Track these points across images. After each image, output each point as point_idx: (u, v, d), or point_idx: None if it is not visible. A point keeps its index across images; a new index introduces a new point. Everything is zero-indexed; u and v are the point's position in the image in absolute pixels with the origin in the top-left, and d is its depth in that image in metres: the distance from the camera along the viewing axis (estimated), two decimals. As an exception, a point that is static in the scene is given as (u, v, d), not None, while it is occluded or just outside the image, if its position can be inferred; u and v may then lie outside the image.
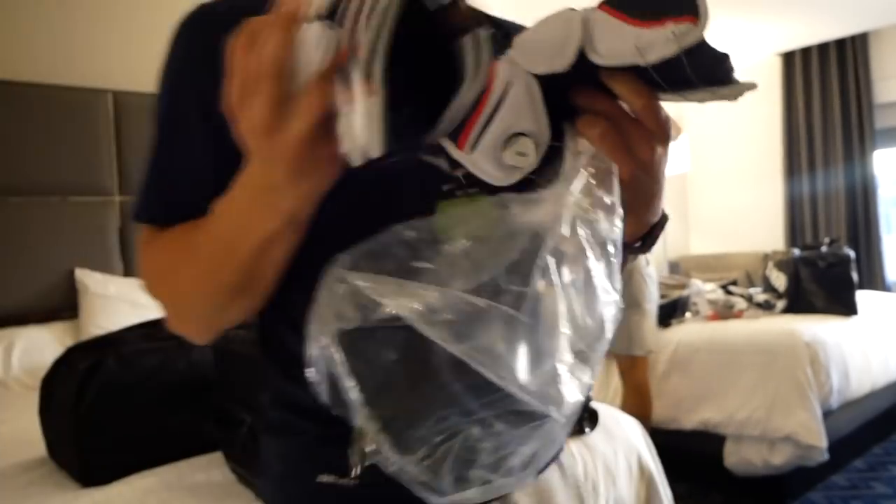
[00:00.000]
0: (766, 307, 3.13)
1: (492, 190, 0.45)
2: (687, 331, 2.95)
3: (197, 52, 0.56)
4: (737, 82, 0.43)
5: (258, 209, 0.46)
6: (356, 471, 0.45)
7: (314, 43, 0.39)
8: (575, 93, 0.44)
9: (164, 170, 0.59)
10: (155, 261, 0.58)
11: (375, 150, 0.39)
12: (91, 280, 2.61)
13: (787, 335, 2.66)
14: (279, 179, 0.43)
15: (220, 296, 0.53)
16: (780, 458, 2.52)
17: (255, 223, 0.47)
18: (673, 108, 5.28)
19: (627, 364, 2.49)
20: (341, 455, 0.47)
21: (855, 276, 3.05)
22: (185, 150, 0.58)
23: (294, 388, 0.57)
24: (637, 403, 2.44)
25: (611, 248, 0.45)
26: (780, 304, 3.14)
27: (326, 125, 0.40)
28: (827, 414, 2.58)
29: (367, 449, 0.42)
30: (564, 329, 0.42)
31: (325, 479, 0.55)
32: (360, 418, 0.42)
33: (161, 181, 0.59)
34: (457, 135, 0.43)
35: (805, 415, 2.48)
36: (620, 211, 0.46)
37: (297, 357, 0.48)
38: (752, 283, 4.87)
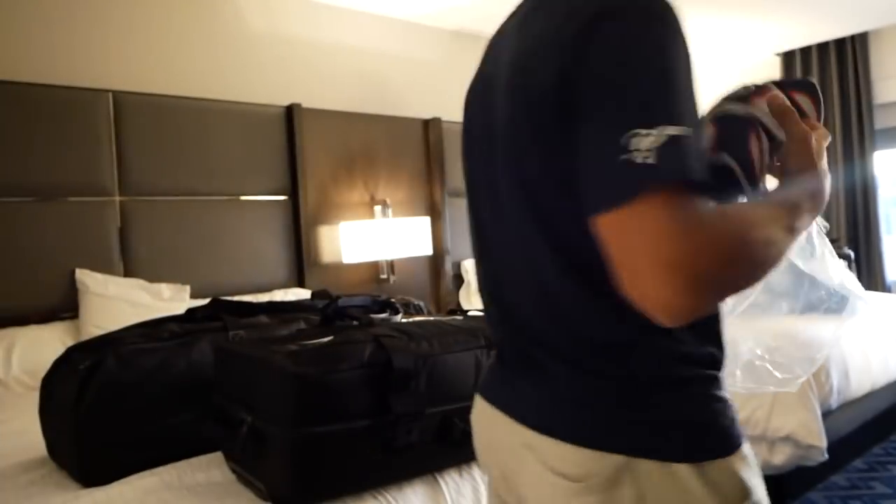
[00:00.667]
0: (766, 307, 3.13)
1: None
2: (687, 331, 2.94)
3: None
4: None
5: (811, 211, 0.73)
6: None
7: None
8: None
9: (696, 133, 0.60)
10: (760, 234, 0.63)
11: None
12: (91, 280, 2.61)
13: (787, 335, 2.65)
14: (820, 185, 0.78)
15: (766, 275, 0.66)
16: (780, 458, 2.52)
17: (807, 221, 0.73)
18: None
19: None
20: (720, 379, 0.72)
21: (855, 276, 3.06)
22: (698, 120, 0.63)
23: (692, 348, 0.70)
24: None
25: None
26: (780, 304, 3.13)
27: None
28: (826, 414, 2.58)
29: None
30: None
31: (720, 393, 0.72)
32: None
33: (694, 146, 0.59)
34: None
35: (805, 414, 2.48)
36: None
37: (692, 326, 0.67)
38: (752, 283, 4.87)
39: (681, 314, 0.59)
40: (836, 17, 4.46)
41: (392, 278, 3.67)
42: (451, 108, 4.09)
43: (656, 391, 0.68)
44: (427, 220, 3.68)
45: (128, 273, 2.79)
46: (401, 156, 3.83)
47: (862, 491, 2.68)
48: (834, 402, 2.63)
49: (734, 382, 0.76)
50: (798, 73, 5.09)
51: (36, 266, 2.58)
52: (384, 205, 3.59)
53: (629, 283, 0.59)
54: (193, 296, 2.79)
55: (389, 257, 3.59)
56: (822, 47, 5.00)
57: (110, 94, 2.81)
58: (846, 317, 0.77)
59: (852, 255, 3.08)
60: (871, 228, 4.81)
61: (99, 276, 2.64)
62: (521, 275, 0.75)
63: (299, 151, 3.33)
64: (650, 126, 0.56)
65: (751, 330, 0.78)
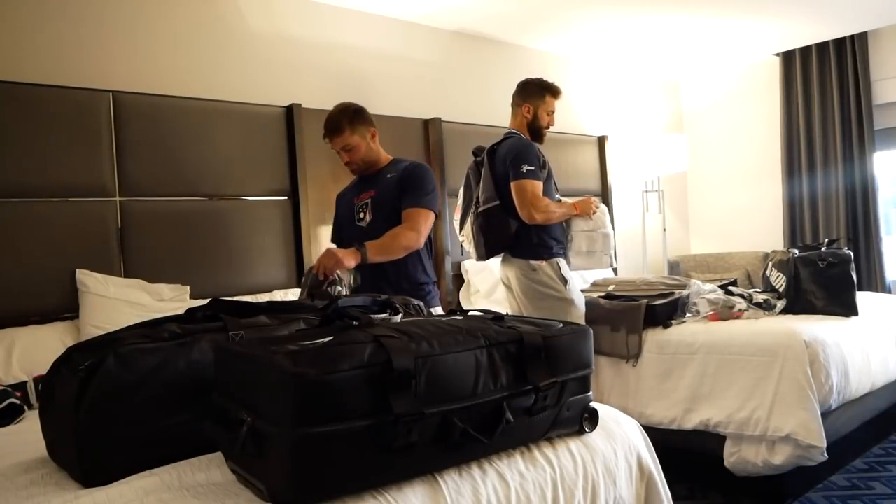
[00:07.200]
0: (766, 307, 3.13)
1: None
2: (687, 331, 2.95)
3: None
4: None
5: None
6: None
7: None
8: None
9: None
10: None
11: None
12: (91, 280, 2.61)
13: (787, 335, 2.66)
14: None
15: None
16: (780, 458, 2.53)
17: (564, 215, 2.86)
18: (674, 110, 5.32)
19: None
20: None
21: (855, 276, 3.05)
22: None
23: None
24: None
25: None
26: (780, 304, 3.14)
27: None
28: (826, 414, 2.58)
29: None
30: None
31: None
32: None
33: None
34: None
35: (805, 415, 2.49)
36: None
37: None
38: (752, 284, 4.87)
39: None
40: (835, 17, 4.47)
41: (392, 278, 3.67)
42: (451, 108, 4.09)
43: None
44: (427, 220, 3.67)
45: (128, 273, 2.80)
46: (401, 156, 3.82)
47: (862, 491, 2.68)
48: (834, 402, 2.63)
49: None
50: (798, 73, 5.10)
51: (36, 266, 2.58)
52: (384, 205, 3.59)
53: None
54: (193, 296, 2.80)
55: (389, 257, 3.58)
56: (822, 47, 5.00)
57: (110, 94, 2.81)
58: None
59: (852, 255, 3.07)
60: (871, 229, 4.82)
61: (99, 276, 2.64)
62: None
63: (299, 151, 3.33)
64: None
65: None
